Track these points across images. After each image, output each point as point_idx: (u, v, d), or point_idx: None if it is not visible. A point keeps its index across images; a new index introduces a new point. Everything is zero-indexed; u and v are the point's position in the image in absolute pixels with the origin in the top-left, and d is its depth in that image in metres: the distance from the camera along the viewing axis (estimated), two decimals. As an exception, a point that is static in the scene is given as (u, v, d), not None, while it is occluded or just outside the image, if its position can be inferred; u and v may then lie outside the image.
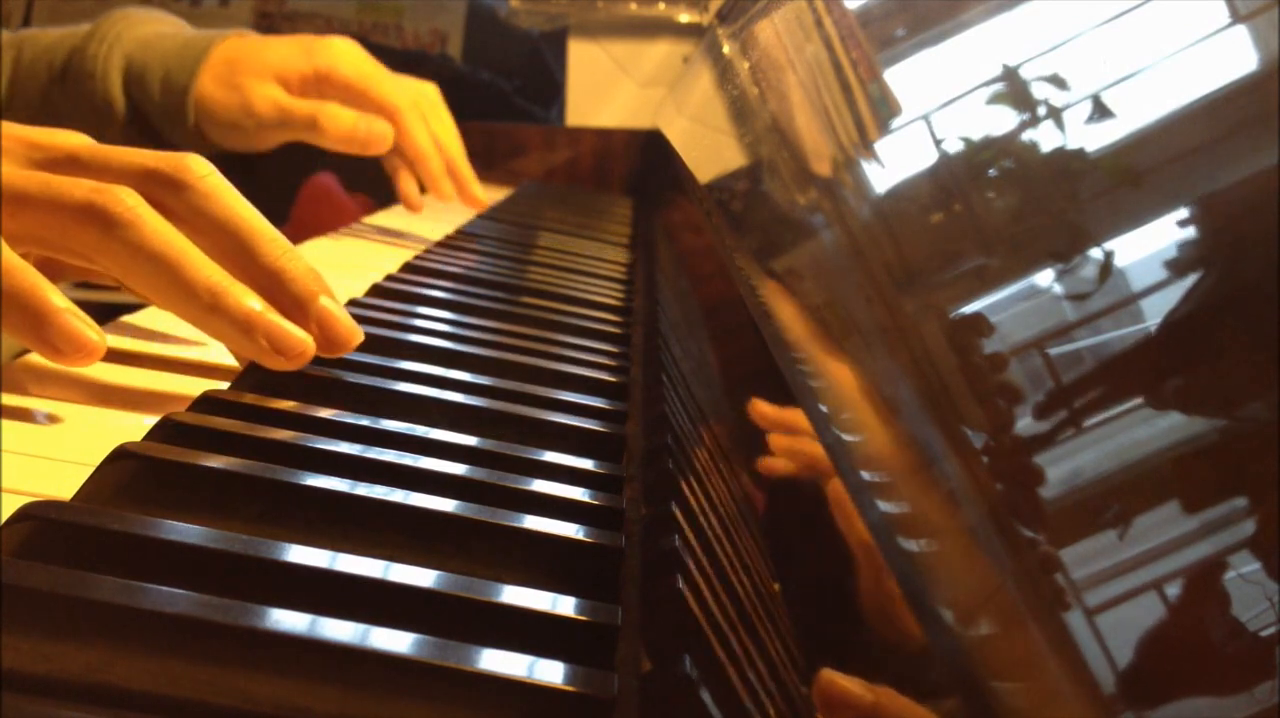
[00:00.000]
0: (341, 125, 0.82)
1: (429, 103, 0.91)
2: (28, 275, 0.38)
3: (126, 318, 0.53)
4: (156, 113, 0.84)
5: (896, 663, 0.26)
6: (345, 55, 0.86)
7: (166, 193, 0.43)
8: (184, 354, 0.50)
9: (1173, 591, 0.18)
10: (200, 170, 0.43)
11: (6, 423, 0.38)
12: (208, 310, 0.41)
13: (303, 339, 0.41)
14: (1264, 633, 0.16)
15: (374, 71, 0.87)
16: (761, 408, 0.44)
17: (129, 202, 0.40)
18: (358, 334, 0.44)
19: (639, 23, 1.44)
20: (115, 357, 0.47)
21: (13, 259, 0.39)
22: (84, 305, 0.40)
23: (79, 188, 0.41)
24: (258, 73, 0.83)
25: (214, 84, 0.83)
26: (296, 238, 0.57)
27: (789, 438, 0.39)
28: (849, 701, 0.27)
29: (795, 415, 0.36)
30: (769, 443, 0.42)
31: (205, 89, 0.83)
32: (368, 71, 0.86)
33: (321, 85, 0.85)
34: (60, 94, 0.84)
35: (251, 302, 0.41)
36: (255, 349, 0.41)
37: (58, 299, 0.38)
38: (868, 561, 0.29)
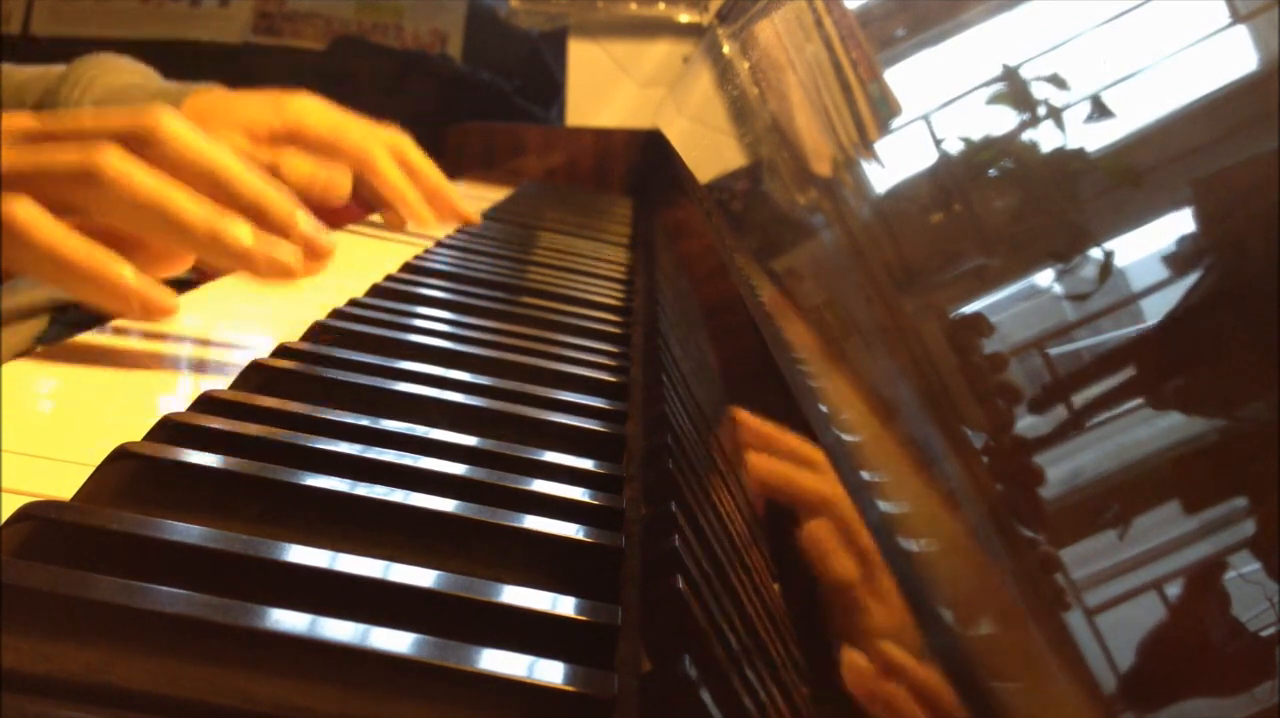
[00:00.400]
0: (300, 174, 0.82)
1: (400, 144, 0.93)
2: (94, 251, 0.44)
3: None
4: None
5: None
6: (313, 110, 0.87)
7: (143, 148, 0.47)
8: (187, 353, 0.50)
9: (1173, 591, 0.18)
10: (171, 126, 0.47)
11: (6, 423, 0.38)
12: (208, 242, 0.46)
13: (293, 255, 0.48)
14: (1264, 633, 0.16)
15: (342, 122, 0.88)
16: (753, 424, 0.45)
17: (116, 161, 0.45)
18: (330, 249, 0.51)
19: (639, 23, 1.44)
20: (116, 356, 0.47)
21: (75, 238, 0.44)
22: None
23: (70, 153, 0.45)
24: (225, 125, 0.84)
25: None
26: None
27: (779, 462, 0.39)
28: (904, 668, 0.27)
29: (786, 438, 0.36)
30: (755, 462, 0.42)
31: None
32: (336, 122, 0.88)
33: (293, 140, 0.86)
34: None
35: (244, 230, 0.47)
36: (254, 268, 0.47)
37: (129, 271, 0.45)
38: (843, 601, 0.29)
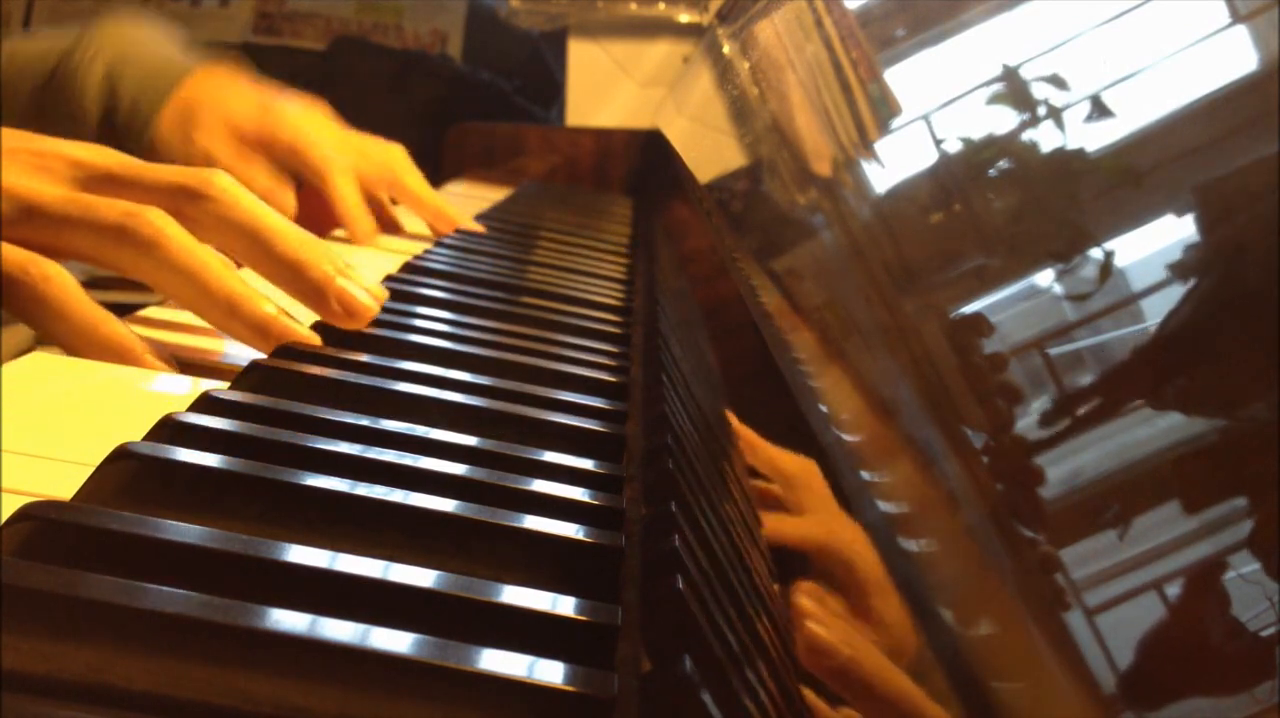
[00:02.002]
0: (256, 188, 0.85)
1: (395, 167, 0.95)
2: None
3: (140, 314, 0.53)
4: (120, 129, 0.88)
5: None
6: (289, 121, 0.90)
7: (192, 205, 0.49)
8: (189, 342, 0.50)
9: (1173, 591, 0.18)
10: (221, 183, 0.50)
11: (6, 423, 0.38)
12: (227, 316, 0.47)
13: (310, 338, 0.48)
14: (1264, 633, 0.16)
15: (316, 138, 0.90)
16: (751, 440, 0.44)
17: (158, 223, 0.47)
18: (374, 307, 0.51)
19: (639, 23, 1.44)
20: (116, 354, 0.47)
21: (96, 311, 0.45)
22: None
23: (113, 210, 0.47)
24: (210, 124, 0.87)
25: (169, 126, 0.87)
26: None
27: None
28: (825, 651, 0.28)
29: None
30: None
31: (161, 128, 0.87)
32: (303, 137, 0.90)
33: (263, 147, 0.88)
34: (45, 95, 0.88)
35: (266, 307, 0.48)
36: (269, 348, 0.47)
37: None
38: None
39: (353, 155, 0.93)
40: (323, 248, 0.52)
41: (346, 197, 0.89)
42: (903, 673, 0.25)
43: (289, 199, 0.87)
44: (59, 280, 0.45)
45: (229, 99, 0.88)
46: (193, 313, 0.49)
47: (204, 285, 0.47)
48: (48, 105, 0.88)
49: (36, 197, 0.47)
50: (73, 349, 0.46)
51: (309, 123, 0.91)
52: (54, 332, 0.45)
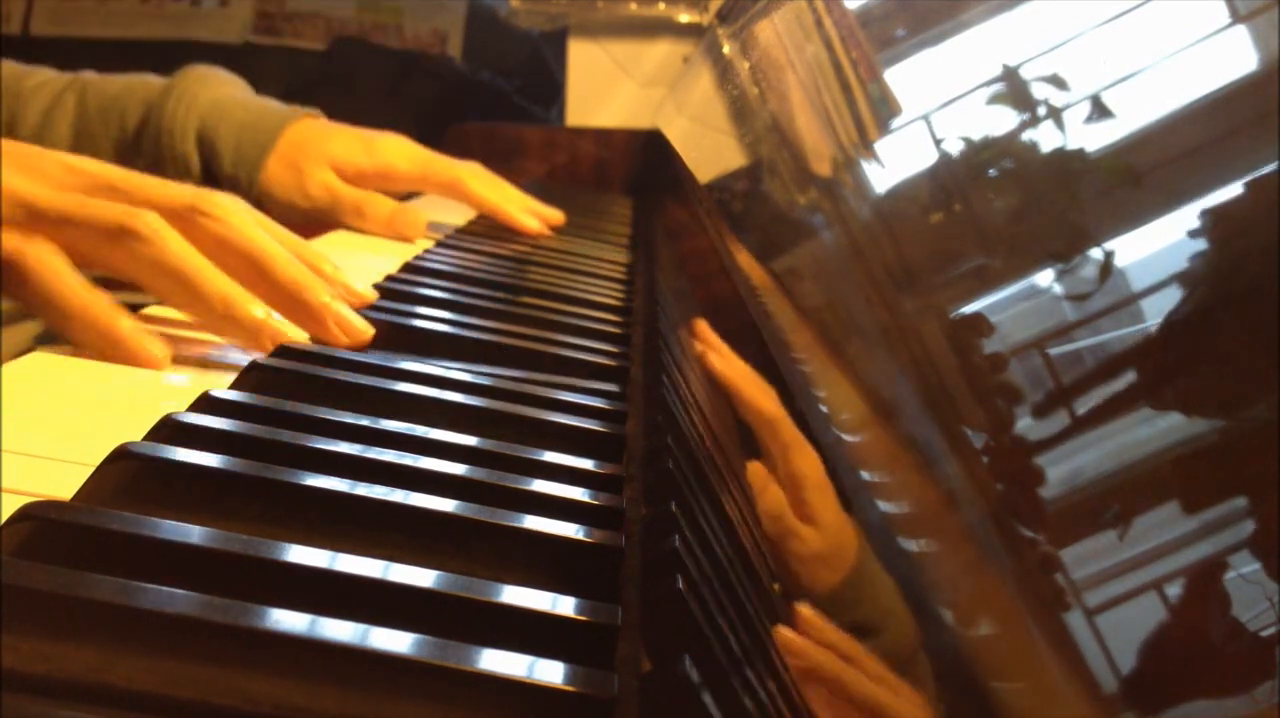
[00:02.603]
0: (380, 212, 0.91)
1: (479, 171, 1.00)
2: (95, 302, 0.46)
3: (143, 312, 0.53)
4: (223, 177, 0.91)
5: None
6: (400, 150, 0.95)
7: (192, 223, 0.50)
8: (186, 351, 0.50)
9: (1173, 591, 0.18)
10: (222, 204, 0.51)
11: (6, 423, 0.38)
12: (221, 317, 0.49)
13: (301, 337, 0.49)
14: (1264, 633, 0.16)
15: (428, 157, 0.96)
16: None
17: (153, 224, 0.48)
18: (367, 332, 0.52)
19: (639, 23, 1.44)
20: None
21: (79, 287, 0.46)
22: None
23: (110, 210, 0.48)
24: (317, 160, 0.92)
25: (279, 164, 0.91)
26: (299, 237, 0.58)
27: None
28: (797, 652, 0.29)
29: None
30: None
31: (269, 174, 0.91)
32: (422, 159, 0.96)
33: (383, 180, 0.93)
34: (135, 148, 0.91)
35: (257, 310, 0.49)
36: (262, 349, 0.48)
37: (126, 322, 0.47)
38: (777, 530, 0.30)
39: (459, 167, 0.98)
40: (321, 272, 0.53)
41: (483, 193, 0.95)
42: (882, 687, 0.25)
43: (418, 217, 0.91)
44: (50, 263, 0.46)
45: (330, 140, 0.93)
46: (187, 313, 0.50)
47: (198, 285, 0.48)
48: (134, 155, 0.90)
49: (36, 197, 0.49)
50: (65, 331, 0.47)
51: (412, 148, 0.96)
52: (46, 314, 0.47)
